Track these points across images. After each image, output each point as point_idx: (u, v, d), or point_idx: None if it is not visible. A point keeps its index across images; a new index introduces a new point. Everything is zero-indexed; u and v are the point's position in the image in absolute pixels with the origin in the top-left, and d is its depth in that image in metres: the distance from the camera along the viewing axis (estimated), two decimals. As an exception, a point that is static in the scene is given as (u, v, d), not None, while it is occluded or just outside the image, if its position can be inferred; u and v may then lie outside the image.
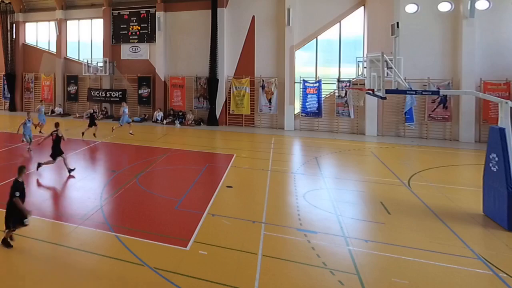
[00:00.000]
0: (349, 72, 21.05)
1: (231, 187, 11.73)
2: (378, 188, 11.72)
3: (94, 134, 19.22)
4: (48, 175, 13.38)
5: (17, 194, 7.48)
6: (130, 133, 19.42)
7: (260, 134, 20.98)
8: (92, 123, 19.42)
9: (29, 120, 16.32)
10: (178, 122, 23.87)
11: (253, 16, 23.13)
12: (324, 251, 7.69)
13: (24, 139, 16.26)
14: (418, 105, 19.79)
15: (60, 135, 13.01)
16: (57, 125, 13.45)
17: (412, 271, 6.99)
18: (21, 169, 7.96)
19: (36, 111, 20.90)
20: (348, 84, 20.76)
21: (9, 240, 7.75)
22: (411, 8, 19.97)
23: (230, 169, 13.76)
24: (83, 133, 19.09)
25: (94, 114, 20.08)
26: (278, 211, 9.84)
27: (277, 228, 8.76)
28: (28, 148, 16.04)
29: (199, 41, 24.35)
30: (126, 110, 20.00)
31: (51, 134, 13.12)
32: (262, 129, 22.50)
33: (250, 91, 23.14)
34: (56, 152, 12.92)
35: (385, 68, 10.98)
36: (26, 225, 7.63)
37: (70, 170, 12.72)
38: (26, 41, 30.53)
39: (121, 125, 19.78)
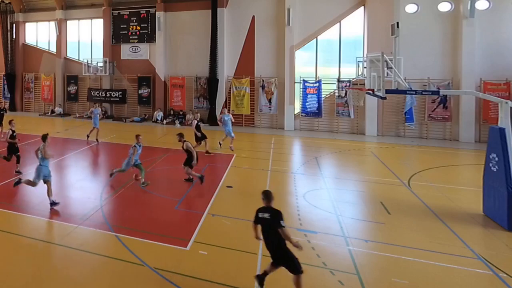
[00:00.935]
0: (349, 72, 21.06)
1: (231, 187, 11.73)
2: (378, 188, 11.72)
3: (206, 151, 15.60)
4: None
5: (283, 223, 5.92)
6: (230, 147, 16.36)
7: (260, 134, 20.98)
8: (201, 137, 15.60)
9: (140, 145, 11.91)
10: (178, 122, 23.87)
11: (253, 16, 23.14)
12: (324, 251, 7.68)
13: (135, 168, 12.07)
14: (418, 105, 19.79)
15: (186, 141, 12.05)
16: (182, 135, 12.20)
17: (412, 271, 6.99)
18: (268, 194, 6.27)
19: (89, 114, 19.04)
20: (348, 84, 20.77)
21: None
22: (411, 8, 19.98)
23: (230, 169, 13.76)
24: (209, 152, 15.62)
25: (199, 123, 15.80)
26: (278, 211, 9.82)
27: (277, 228, 8.74)
28: (136, 177, 12.05)
29: (199, 41, 24.36)
30: (228, 118, 16.39)
31: (185, 145, 11.95)
32: (262, 129, 22.50)
33: (250, 91, 23.15)
34: (191, 161, 11.89)
35: (385, 68, 10.97)
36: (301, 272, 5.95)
37: (201, 178, 11.77)
38: (26, 41, 30.55)
39: (231, 137, 16.39)
